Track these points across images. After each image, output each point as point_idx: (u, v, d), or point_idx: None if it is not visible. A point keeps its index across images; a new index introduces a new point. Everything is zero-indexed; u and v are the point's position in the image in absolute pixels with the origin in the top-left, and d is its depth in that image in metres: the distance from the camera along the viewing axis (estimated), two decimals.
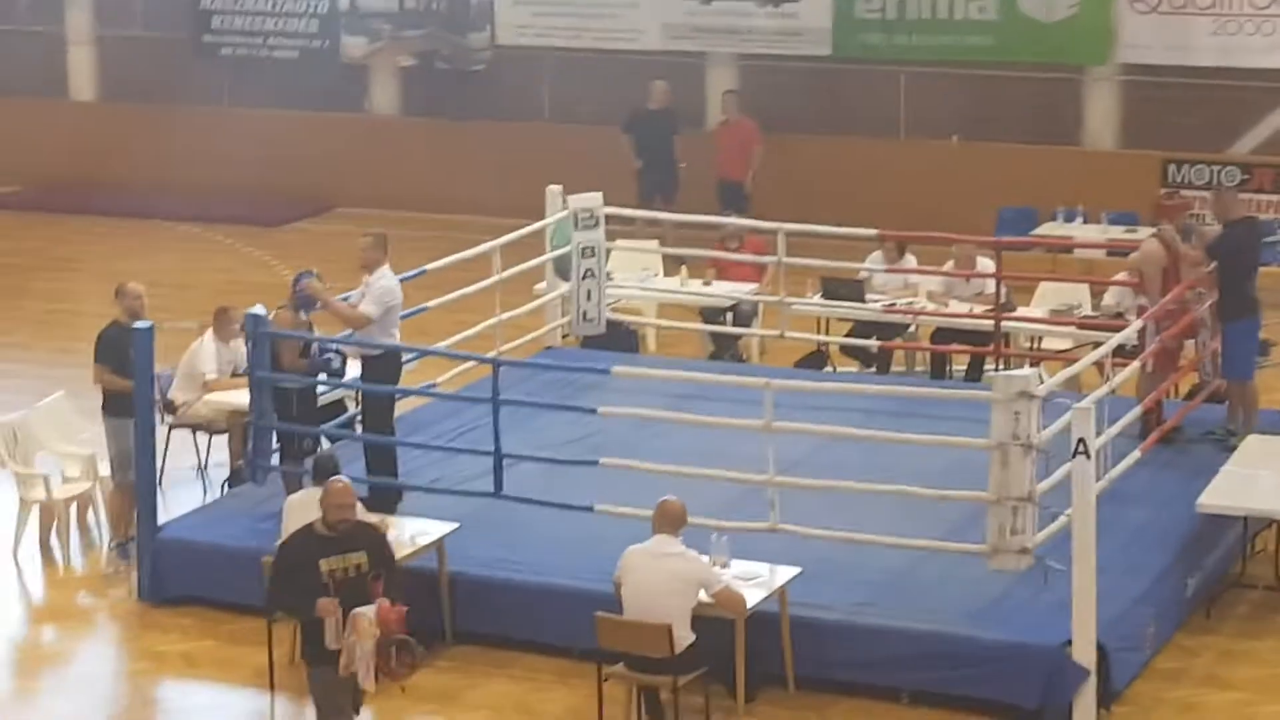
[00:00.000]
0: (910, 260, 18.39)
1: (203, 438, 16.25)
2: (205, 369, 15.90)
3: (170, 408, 16.01)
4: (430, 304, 16.23)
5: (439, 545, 13.20)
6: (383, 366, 14.58)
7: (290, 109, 26.37)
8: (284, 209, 25.90)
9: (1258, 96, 22.97)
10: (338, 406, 15.78)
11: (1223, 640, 13.25)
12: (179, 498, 15.42)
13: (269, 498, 14.34)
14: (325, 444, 14.99)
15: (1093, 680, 11.94)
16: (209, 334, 16.10)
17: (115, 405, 14.77)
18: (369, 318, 14.31)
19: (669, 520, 12.00)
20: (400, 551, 12.86)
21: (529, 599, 13.14)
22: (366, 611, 10.79)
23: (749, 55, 24.54)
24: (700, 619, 11.85)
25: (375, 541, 11.13)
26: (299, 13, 26.50)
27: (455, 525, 13.40)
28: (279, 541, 11.73)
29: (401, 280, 14.76)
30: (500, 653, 13.08)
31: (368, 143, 26.23)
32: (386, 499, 14.14)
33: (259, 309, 14.51)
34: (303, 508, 12.74)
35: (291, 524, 12.71)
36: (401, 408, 15.71)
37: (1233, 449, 14.64)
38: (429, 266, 16.40)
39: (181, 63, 26.87)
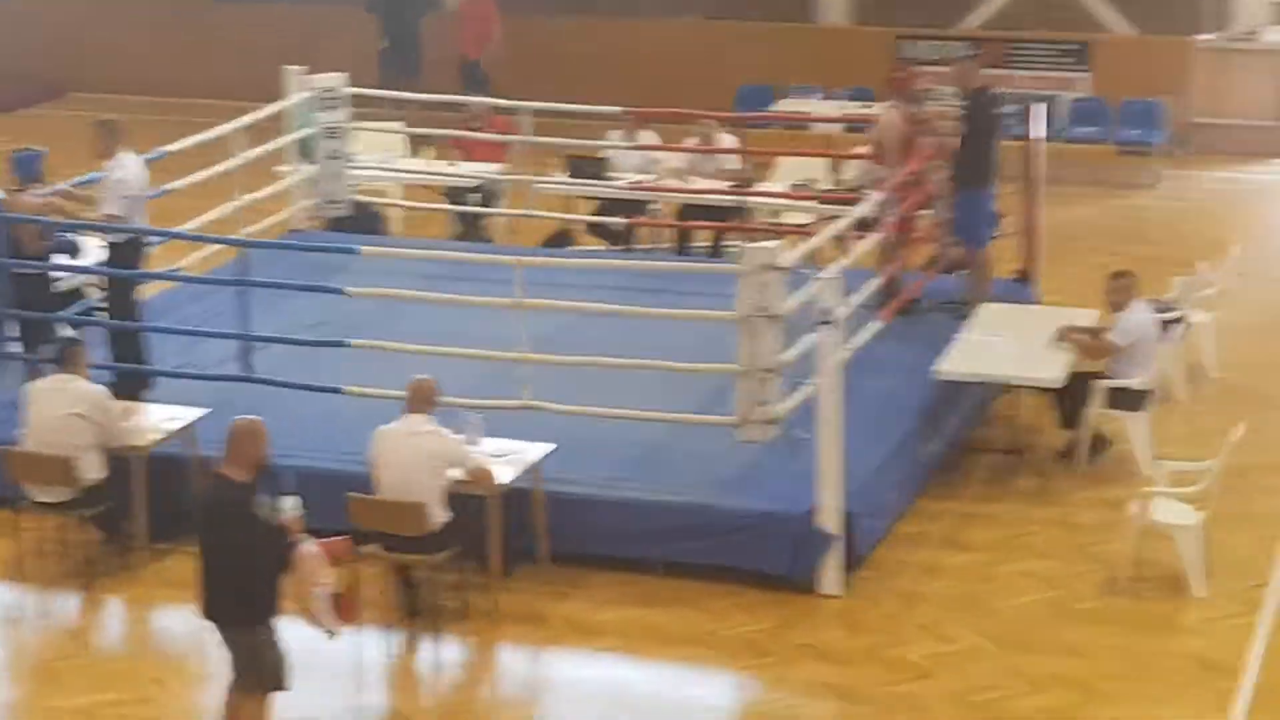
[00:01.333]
0: (649, 138, 18.49)
1: None
2: None
3: None
4: (171, 185, 15.96)
5: (188, 431, 13.09)
6: (127, 251, 14.36)
7: None
8: (14, 94, 25.27)
9: None
10: (77, 293, 15.53)
11: (962, 505, 13.63)
12: None
13: (8, 387, 14.07)
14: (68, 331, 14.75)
15: (839, 546, 12.24)
16: None
17: None
18: (113, 215, 14.05)
19: (420, 399, 12.03)
20: (149, 438, 12.83)
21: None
22: (311, 549, 10.21)
23: None
24: (454, 497, 11.90)
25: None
26: None
27: (205, 410, 13.28)
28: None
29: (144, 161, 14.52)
30: None
31: (101, 24, 25.67)
32: (135, 385, 13.99)
33: None
34: (45, 395, 12.61)
35: (34, 412, 12.55)
36: (146, 293, 15.51)
37: (968, 318, 15.02)
38: (168, 149, 16.13)
39: None
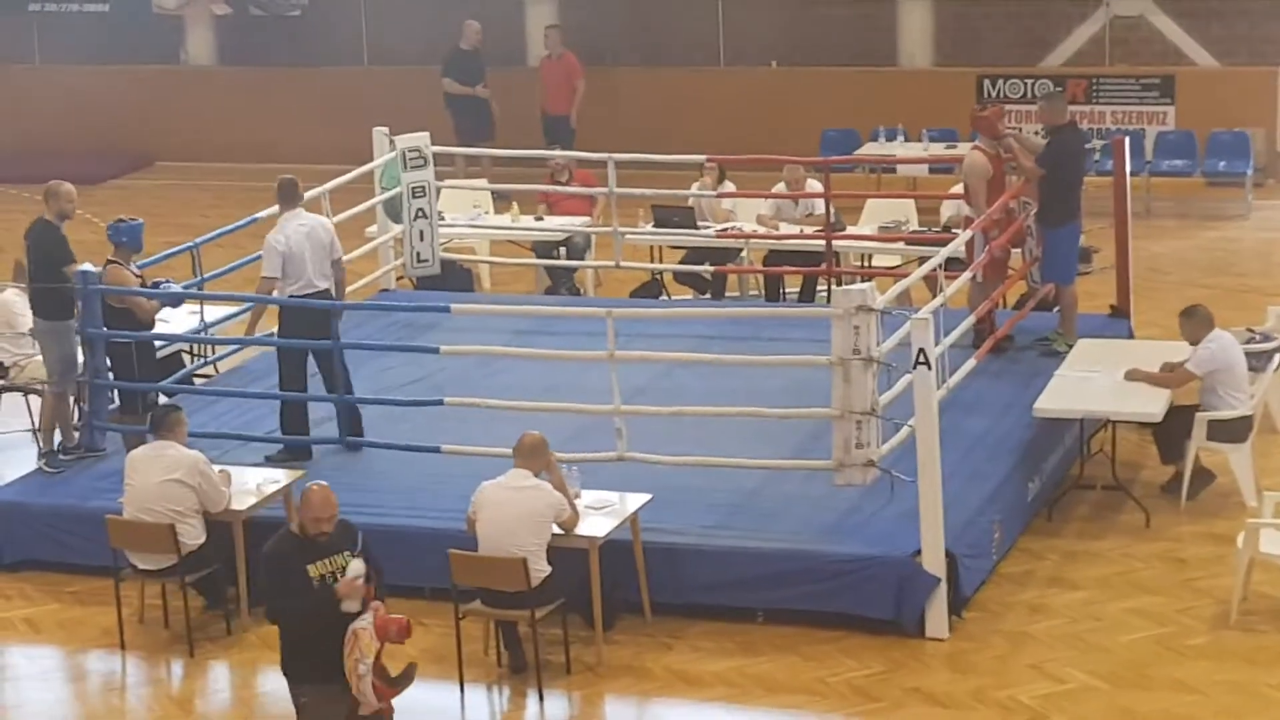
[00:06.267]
0: (728, 186, 18.48)
1: (35, 400, 15.99)
2: (24, 326, 15.64)
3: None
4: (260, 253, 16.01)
5: (286, 493, 13.10)
6: (296, 319, 14.18)
7: (104, 64, 25.99)
8: (104, 166, 25.48)
9: (1066, 9, 23.33)
10: (175, 360, 15.61)
11: (1065, 542, 13.49)
12: (13, 461, 15.11)
13: (109, 456, 14.17)
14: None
15: (943, 588, 12.11)
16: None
17: (52, 308, 14.42)
18: (269, 282, 14.13)
19: (528, 454, 11.96)
20: (246, 501, 12.86)
21: (380, 542, 12.93)
22: (365, 624, 10.19)
23: None
24: (555, 550, 11.87)
25: (354, 538, 10.55)
26: None
27: (302, 472, 13.30)
28: (266, 548, 10.62)
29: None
30: None
31: (186, 94, 25.92)
32: (294, 453, 14.06)
33: (88, 266, 14.33)
34: (144, 462, 12.67)
35: (134, 480, 12.61)
36: (239, 358, 15.60)
37: (1062, 354, 14.90)
38: (259, 215, 16.19)
39: None
